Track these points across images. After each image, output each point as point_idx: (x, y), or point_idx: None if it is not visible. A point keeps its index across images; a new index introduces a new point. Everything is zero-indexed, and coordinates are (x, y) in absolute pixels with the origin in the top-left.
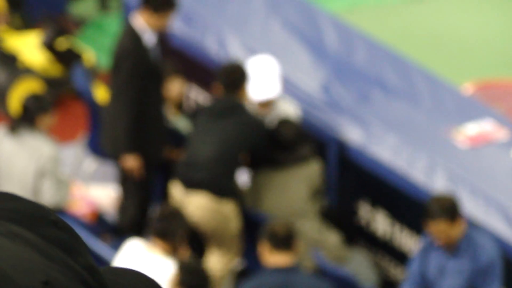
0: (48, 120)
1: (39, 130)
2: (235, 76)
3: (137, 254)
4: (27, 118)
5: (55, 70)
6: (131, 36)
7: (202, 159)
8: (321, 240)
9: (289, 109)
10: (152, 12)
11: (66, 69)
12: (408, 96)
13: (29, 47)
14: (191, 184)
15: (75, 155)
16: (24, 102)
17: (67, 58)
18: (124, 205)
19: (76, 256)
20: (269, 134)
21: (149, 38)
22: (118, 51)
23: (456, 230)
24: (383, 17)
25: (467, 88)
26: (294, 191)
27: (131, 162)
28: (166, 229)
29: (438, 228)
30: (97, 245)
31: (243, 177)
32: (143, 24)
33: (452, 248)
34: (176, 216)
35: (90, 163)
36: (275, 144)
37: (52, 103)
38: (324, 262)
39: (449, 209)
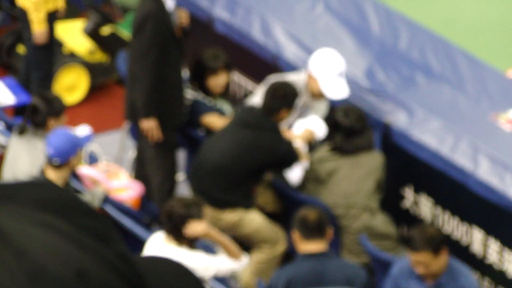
0: (57, 124)
1: (47, 132)
2: (274, 101)
3: (158, 247)
4: (35, 120)
5: (100, 57)
6: (154, 0)
7: (208, 166)
8: (386, 233)
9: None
10: None
11: (110, 56)
12: (452, 80)
13: (75, 34)
14: (196, 189)
15: (119, 143)
16: (35, 102)
17: (111, 45)
18: (143, 173)
19: (109, 245)
20: (286, 158)
21: (170, 4)
22: (140, 14)
23: (439, 263)
24: (426, 3)
25: (511, 73)
26: (359, 183)
27: (149, 124)
28: (174, 229)
29: (420, 260)
30: (140, 231)
31: (295, 173)
32: None
33: (434, 280)
34: (181, 214)
35: (134, 150)
36: (339, 130)
37: (64, 107)
38: (377, 251)
39: (433, 240)
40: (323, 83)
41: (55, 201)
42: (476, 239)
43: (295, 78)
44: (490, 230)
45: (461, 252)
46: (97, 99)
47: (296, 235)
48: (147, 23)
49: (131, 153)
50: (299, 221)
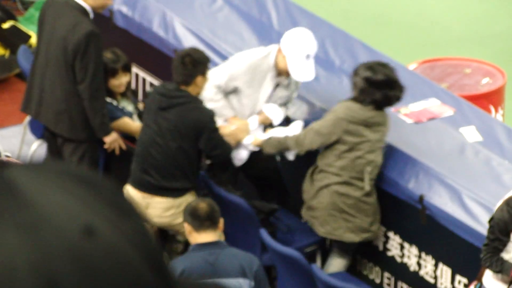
0: None
1: None
2: (185, 70)
3: None
4: None
5: (1, 52)
6: (86, 17)
7: (153, 162)
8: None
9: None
10: None
11: (11, 51)
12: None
13: None
14: (146, 188)
15: (20, 138)
16: None
17: (12, 40)
18: None
19: (128, 219)
20: (212, 126)
21: (91, 17)
22: (80, 35)
23: None
24: None
25: (412, 67)
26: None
27: (112, 137)
28: None
29: None
30: None
31: (242, 154)
32: (85, 4)
33: None
34: None
35: (34, 146)
36: (375, 88)
37: None
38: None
39: None
40: (290, 62)
41: (77, 174)
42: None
43: (265, 53)
44: (391, 225)
45: (363, 246)
46: None
47: (187, 227)
48: (90, 43)
49: (32, 148)
50: (189, 213)
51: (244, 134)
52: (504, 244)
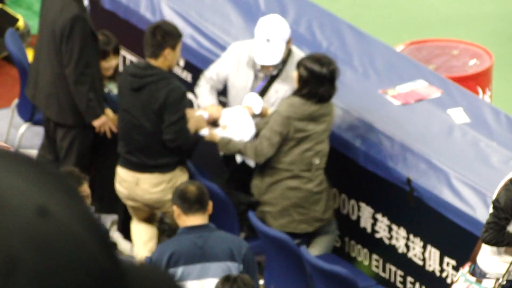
0: None
1: None
2: (154, 42)
3: None
4: None
5: None
6: (77, 2)
7: (136, 144)
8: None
9: None
10: None
11: None
12: (340, 55)
13: None
14: (134, 168)
15: (8, 121)
16: None
17: (0, 23)
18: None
19: (77, 202)
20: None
21: (85, 1)
22: (66, 18)
23: None
24: None
25: (399, 48)
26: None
27: (101, 120)
28: None
29: None
30: None
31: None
32: None
33: None
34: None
35: (22, 129)
36: (323, 82)
37: None
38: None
39: None
40: (254, 45)
41: (32, 161)
42: (364, 215)
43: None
44: (379, 207)
45: (350, 227)
46: None
47: (176, 210)
48: (75, 27)
49: (20, 131)
50: (178, 196)
51: (204, 124)
52: (508, 222)
